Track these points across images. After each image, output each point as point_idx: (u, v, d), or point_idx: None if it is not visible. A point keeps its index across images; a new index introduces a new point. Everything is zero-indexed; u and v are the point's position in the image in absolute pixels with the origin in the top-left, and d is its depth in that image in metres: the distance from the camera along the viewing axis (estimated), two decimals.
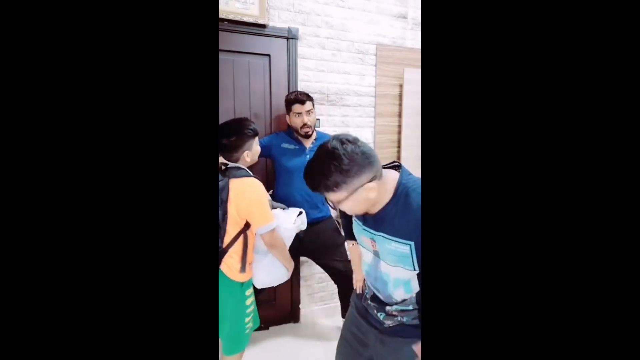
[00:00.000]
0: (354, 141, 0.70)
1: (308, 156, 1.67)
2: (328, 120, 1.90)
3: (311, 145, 1.71)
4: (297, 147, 1.68)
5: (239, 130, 1.20)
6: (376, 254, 0.81)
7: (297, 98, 1.63)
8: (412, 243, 0.71)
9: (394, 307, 0.83)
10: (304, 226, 1.40)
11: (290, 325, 1.96)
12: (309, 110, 1.64)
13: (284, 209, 1.39)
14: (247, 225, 1.18)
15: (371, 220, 0.79)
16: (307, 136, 1.68)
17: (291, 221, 1.33)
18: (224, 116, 1.69)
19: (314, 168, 0.71)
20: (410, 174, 0.79)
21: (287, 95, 1.68)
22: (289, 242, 1.34)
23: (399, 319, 0.83)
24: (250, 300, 1.25)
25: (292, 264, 1.35)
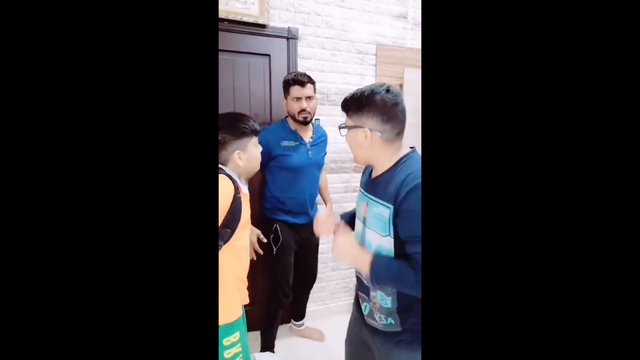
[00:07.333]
0: (396, 94, 0.79)
1: (310, 152, 1.55)
2: (328, 120, 1.90)
3: (311, 140, 1.57)
4: (297, 143, 1.52)
5: (232, 125, 0.99)
6: (364, 221, 0.87)
7: (296, 79, 1.43)
8: (392, 207, 0.76)
9: (378, 296, 0.84)
10: None
11: (290, 325, 1.96)
12: (309, 97, 1.44)
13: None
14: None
15: (370, 185, 0.87)
16: (305, 123, 1.48)
17: None
18: None
19: (354, 92, 0.81)
20: (419, 157, 0.84)
21: (286, 76, 1.49)
22: None
23: (382, 320, 0.84)
24: (231, 353, 0.93)
25: None
